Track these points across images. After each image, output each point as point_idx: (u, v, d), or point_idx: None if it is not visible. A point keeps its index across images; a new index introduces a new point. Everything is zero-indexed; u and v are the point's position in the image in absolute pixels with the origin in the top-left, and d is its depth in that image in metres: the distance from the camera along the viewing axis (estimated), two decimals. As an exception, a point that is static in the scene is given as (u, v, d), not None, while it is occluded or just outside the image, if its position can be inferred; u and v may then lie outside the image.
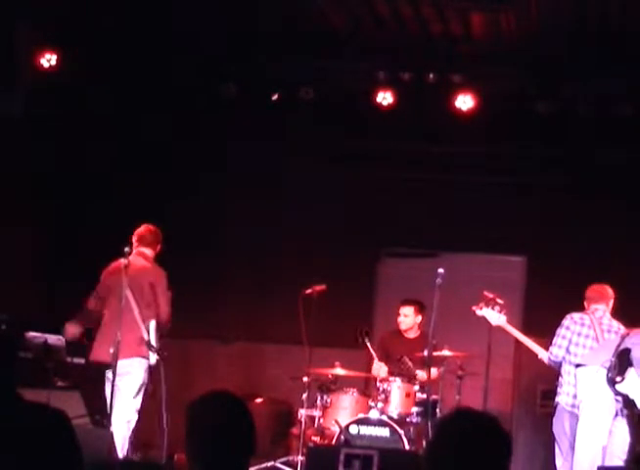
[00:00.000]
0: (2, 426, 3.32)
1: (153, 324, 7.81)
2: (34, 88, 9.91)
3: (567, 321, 7.86)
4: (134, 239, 8.09)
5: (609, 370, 7.31)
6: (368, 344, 8.98)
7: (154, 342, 7.79)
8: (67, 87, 10.08)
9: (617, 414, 7.39)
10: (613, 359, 7.29)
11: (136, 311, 7.71)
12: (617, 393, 7.31)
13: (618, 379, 7.26)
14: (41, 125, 10.00)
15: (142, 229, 8.15)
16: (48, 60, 10.00)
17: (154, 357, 7.80)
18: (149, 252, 8.07)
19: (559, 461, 7.74)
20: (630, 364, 7.25)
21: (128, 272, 7.60)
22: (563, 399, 7.78)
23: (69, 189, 10.42)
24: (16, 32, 9.58)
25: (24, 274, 9.76)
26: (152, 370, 7.83)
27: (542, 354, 8.00)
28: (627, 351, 7.30)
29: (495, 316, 8.02)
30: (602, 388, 7.37)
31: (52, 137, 10.14)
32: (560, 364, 7.86)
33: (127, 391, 7.72)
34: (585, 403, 7.46)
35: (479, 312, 8.06)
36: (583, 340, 7.72)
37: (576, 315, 7.86)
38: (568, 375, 7.74)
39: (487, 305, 8.05)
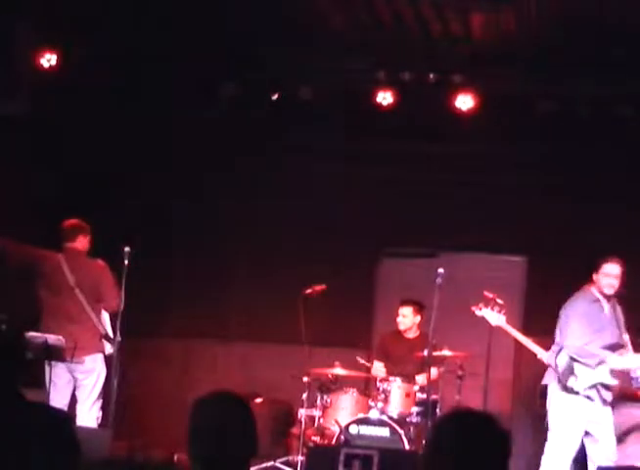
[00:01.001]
0: (3, 426, 3.32)
1: (106, 316, 7.92)
2: (34, 88, 9.90)
3: None
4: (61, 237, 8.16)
5: (560, 382, 7.39)
6: (362, 361, 9.07)
7: (110, 333, 7.88)
8: (67, 87, 10.07)
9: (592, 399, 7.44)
10: (557, 371, 7.37)
11: (88, 308, 7.81)
12: (585, 389, 7.35)
13: (572, 381, 7.30)
14: (41, 125, 9.99)
15: (63, 225, 8.21)
16: (48, 60, 9.99)
17: (110, 348, 7.90)
18: (79, 245, 8.11)
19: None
20: (573, 360, 7.31)
21: (73, 270, 7.88)
22: (549, 379, 7.78)
23: (69, 189, 10.41)
24: (16, 32, 9.57)
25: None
26: (108, 362, 7.93)
27: (541, 355, 8.00)
28: (559, 351, 7.39)
29: (495, 317, 8.03)
30: (564, 405, 7.44)
31: (52, 137, 10.13)
32: None
33: (95, 387, 7.83)
34: (552, 423, 7.53)
35: (478, 313, 8.07)
36: None
37: None
38: None
39: (487, 306, 8.06)
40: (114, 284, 7.92)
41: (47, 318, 7.94)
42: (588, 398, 7.41)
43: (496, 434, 2.89)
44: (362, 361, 9.09)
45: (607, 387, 7.47)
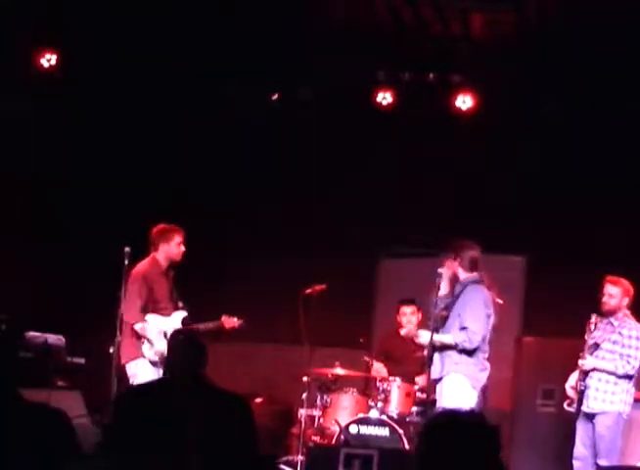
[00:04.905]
0: (2, 426, 3.32)
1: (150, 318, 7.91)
2: (34, 88, 9.92)
3: None
4: None
5: None
6: (367, 359, 9.07)
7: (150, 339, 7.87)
8: (67, 87, 10.08)
9: None
10: None
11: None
12: None
13: None
14: (41, 125, 10.01)
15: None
16: (48, 60, 10.01)
17: (153, 354, 7.89)
18: (156, 253, 8.11)
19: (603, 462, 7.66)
20: None
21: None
22: (621, 406, 7.73)
23: (70, 189, 10.42)
24: (16, 32, 9.59)
25: (25, 274, 9.77)
26: None
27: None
28: None
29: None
30: None
31: (52, 137, 10.14)
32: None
33: None
34: None
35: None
36: None
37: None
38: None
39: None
40: (131, 293, 7.82)
41: None
42: None
43: (484, 429, 2.90)
44: (367, 359, 9.07)
45: None
